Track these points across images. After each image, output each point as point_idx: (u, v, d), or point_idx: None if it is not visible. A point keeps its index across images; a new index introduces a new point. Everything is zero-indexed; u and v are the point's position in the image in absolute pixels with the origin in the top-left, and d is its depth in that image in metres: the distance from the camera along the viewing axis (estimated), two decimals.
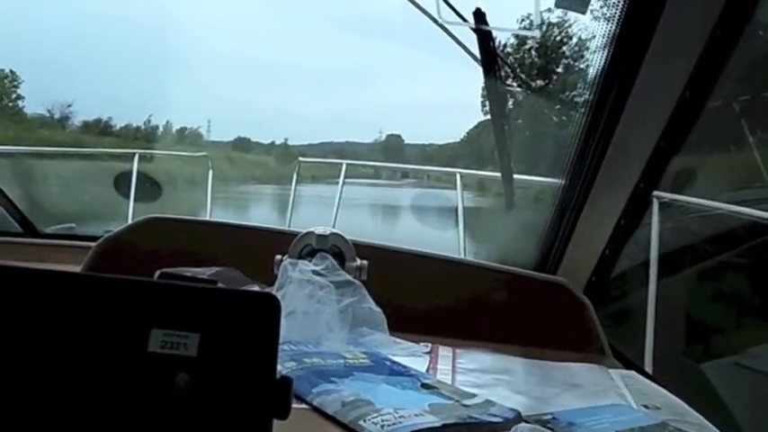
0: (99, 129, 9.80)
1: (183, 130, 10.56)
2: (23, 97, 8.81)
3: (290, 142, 11.47)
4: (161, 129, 10.22)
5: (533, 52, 6.56)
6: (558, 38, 6.22)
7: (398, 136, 11.43)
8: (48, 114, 9.31)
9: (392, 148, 11.21)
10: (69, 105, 9.35)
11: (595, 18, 1.50)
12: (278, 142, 11.57)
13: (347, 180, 4.32)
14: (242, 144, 11.48)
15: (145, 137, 9.79)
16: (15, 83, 8.69)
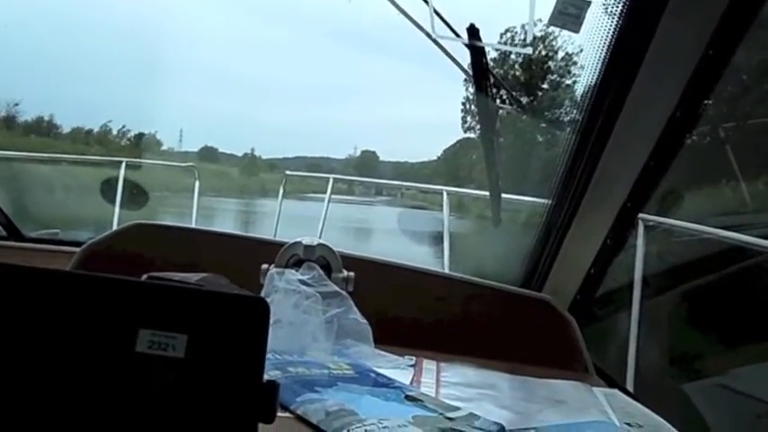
0: (42, 129, 9.15)
1: (140, 135, 10.33)
2: None
3: (263, 155, 11.36)
4: (115, 132, 10.00)
5: (517, 67, 6.53)
6: (544, 52, 6.17)
7: (373, 152, 11.40)
8: None
9: (367, 164, 11.14)
10: (16, 104, 8.58)
11: (585, 36, 1.51)
12: (250, 154, 11.48)
13: (320, 195, 4.33)
14: (209, 154, 11.15)
15: (97, 141, 9.54)
16: None
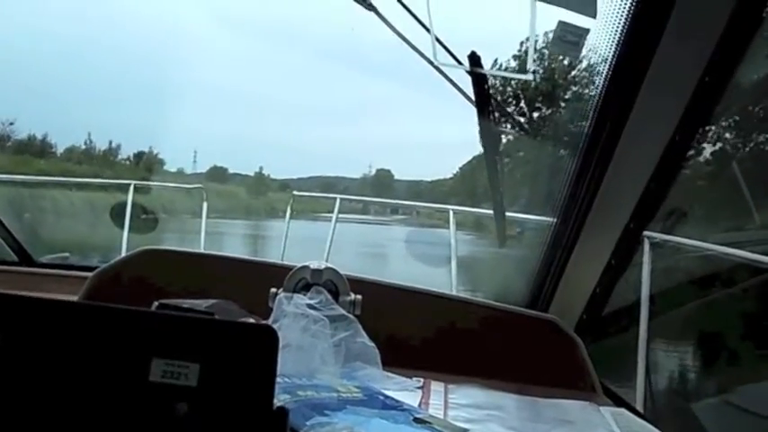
0: (35, 148, 9.17)
1: (140, 155, 10.24)
2: None
3: (276, 176, 11.34)
4: (112, 153, 9.96)
5: (538, 78, 6.42)
6: (566, 61, 6.03)
7: (388, 171, 11.39)
8: None
9: (382, 183, 11.13)
10: (11, 123, 8.78)
11: (589, 58, 1.53)
12: (263, 174, 11.46)
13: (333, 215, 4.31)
14: (217, 174, 11.15)
15: (88, 160, 9.47)
16: None
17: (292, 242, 4.15)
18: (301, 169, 12.01)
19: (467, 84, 1.64)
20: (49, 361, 0.72)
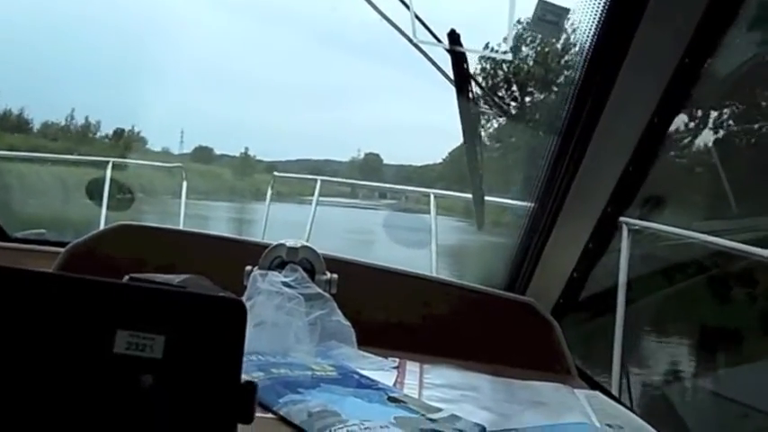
0: (11, 123, 9.03)
1: (120, 132, 10.11)
2: None
3: (264, 158, 11.23)
4: (91, 129, 9.83)
5: (530, 62, 6.35)
6: (560, 45, 5.97)
7: (377, 155, 11.35)
8: None
9: (370, 167, 11.09)
10: None
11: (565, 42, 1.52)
12: (249, 155, 11.38)
13: (321, 199, 4.30)
14: (203, 155, 11.01)
15: (64, 136, 9.33)
16: None
17: (278, 225, 4.13)
18: (289, 152, 11.98)
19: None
20: (10, 331, 0.71)
